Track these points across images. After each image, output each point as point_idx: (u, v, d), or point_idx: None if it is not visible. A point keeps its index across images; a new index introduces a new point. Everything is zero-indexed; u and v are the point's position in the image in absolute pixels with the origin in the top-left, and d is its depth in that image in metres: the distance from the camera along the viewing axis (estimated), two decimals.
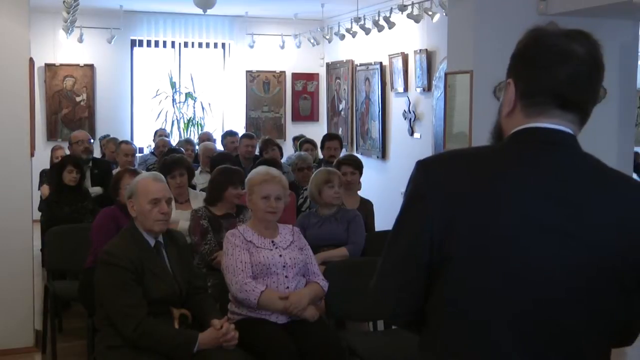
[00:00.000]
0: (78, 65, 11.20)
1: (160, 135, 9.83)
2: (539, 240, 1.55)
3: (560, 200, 1.56)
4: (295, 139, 10.04)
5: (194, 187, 6.29)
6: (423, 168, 1.70)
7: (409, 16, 8.10)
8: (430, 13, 7.86)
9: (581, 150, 1.65)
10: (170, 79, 11.66)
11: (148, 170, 7.32)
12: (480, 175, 1.63)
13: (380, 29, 8.71)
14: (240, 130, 10.54)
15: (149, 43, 11.64)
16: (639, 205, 1.60)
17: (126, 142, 8.53)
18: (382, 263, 1.73)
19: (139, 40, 11.59)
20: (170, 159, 6.07)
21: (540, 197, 1.57)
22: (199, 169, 7.70)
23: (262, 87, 12.20)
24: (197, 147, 9.04)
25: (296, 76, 12.33)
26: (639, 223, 1.57)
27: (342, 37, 10.03)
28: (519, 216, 1.56)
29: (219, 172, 5.34)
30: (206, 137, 9.82)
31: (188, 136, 11.03)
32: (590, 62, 1.63)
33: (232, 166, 5.61)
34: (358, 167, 6.20)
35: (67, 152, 8.01)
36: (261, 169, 4.48)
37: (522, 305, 1.55)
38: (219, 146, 9.70)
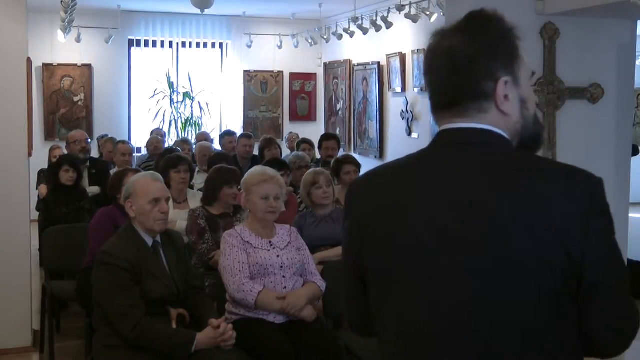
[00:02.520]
0: (76, 65, 11.20)
1: (156, 135, 9.81)
2: (442, 247, 1.51)
3: (461, 202, 1.52)
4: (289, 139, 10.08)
5: (191, 187, 6.29)
6: (349, 188, 1.76)
7: (407, 16, 8.10)
8: (427, 13, 7.87)
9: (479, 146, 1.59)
10: (168, 78, 11.66)
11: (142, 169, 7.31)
12: (389, 191, 1.63)
13: (377, 28, 8.71)
14: (238, 131, 10.53)
15: (146, 43, 11.64)
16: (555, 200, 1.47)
17: (123, 142, 8.53)
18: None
19: (137, 40, 11.58)
20: (176, 156, 6.10)
21: (443, 202, 1.53)
22: (197, 168, 7.69)
23: (259, 87, 12.20)
24: (194, 146, 9.03)
25: (294, 76, 12.34)
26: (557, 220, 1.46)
27: (340, 37, 10.03)
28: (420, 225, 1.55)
29: (214, 171, 5.35)
30: (203, 137, 9.81)
31: (186, 136, 11.02)
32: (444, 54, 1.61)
33: (227, 165, 5.60)
34: (358, 166, 6.22)
35: (65, 152, 8.00)
36: (257, 169, 4.48)
37: (430, 314, 1.53)
38: (217, 146, 9.70)
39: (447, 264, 1.50)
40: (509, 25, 1.61)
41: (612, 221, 1.50)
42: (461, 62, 1.57)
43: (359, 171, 6.19)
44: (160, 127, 11.02)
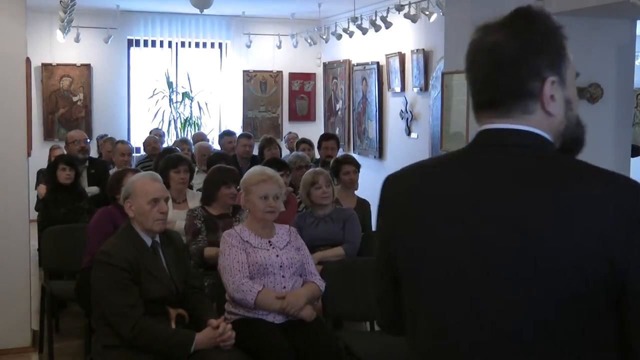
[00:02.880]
0: (75, 65, 11.20)
1: (153, 135, 9.80)
2: (475, 250, 1.48)
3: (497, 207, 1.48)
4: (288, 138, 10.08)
5: (191, 187, 6.29)
6: (383, 183, 1.72)
7: (406, 16, 8.10)
8: (427, 13, 7.86)
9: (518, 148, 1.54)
10: (167, 78, 11.66)
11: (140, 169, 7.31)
12: (424, 191, 1.60)
13: (377, 28, 8.71)
14: (238, 131, 10.53)
15: (145, 43, 11.63)
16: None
17: (123, 141, 8.53)
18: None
19: (136, 40, 11.58)
20: (176, 155, 6.10)
21: (479, 205, 1.50)
22: (196, 168, 7.69)
23: (259, 87, 12.20)
24: (193, 147, 9.03)
25: (293, 76, 12.33)
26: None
27: (339, 36, 10.02)
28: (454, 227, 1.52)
29: (212, 171, 5.35)
30: (200, 138, 9.80)
31: (185, 136, 11.01)
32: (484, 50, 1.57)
33: (225, 165, 5.60)
34: (358, 166, 6.22)
35: (64, 152, 8.00)
36: (256, 169, 4.48)
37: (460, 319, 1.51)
38: (215, 146, 9.70)
39: (479, 266, 1.47)
40: (556, 24, 1.56)
41: None
42: (506, 60, 1.53)
43: (358, 171, 6.19)
44: (160, 127, 11.01)
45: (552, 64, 1.53)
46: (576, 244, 1.39)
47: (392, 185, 1.69)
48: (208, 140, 9.94)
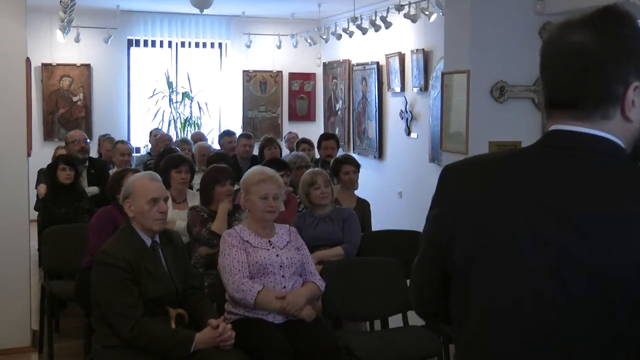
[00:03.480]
0: (75, 65, 11.20)
1: (155, 135, 9.80)
2: (536, 250, 1.48)
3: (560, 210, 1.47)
4: (288, 138, 10.07)
5: (191, 188, 6.28)
6: (443, 174, 1.69)
7: (406, 16, 8.10)
8: (427, 13, 7.86)
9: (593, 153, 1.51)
10: (167, 78, 11.66)
11: (146, 169, 7.32)
12: (490, 185, 1.58)
13: (377, 28, 8.71)
14: (238, 131, 10.53)
15: (145, 43, 11.63)
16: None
17: (122, 141, 8.53)
18: (414, 262, 1.78)
19: (136, 40, 11.58)
20: (178, 155, 6.10)
21: (542, 206, 1.49)
22: (196, 168, 7.69)
23: (259, 87, 12.20)
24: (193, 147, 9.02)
25: (293, 76, 12.33)
26: None
27: (339, 36, 10.02)
28: (518, 224, 1.51)
29: (206, 173, 5.36)
30: (199, 137, 9.80)
31: (185, 136, 11.00)
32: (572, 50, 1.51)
33: (219, 165, 5.57)
34: (357, 166, 6.22)
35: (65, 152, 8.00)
36: (256, 169, 4.48)
37: (522, 311, 1.51)
38: (215, 146, 9.69)
39: (542, 267, 1.46)
40: None
41: None
42: (594, 62, 1.47)
43: (358, 171, 6.18)
44: (159, 127, 11.00)
45: (637, 68, 1.48)
46: (634, 255, 1.39)
47: (452, 177, 1.67)
48: (207, 140, 9.93)
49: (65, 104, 11.21)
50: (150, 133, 10.09)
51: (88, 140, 8.17)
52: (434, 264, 1.68)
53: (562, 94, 1.53)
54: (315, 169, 5.83)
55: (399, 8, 8.16)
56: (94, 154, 8.90)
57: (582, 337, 1.44)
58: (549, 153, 1.54)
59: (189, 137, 10.15)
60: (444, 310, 1.69)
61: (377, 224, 6.23)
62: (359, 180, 6.21)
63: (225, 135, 9.34)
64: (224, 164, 5.81)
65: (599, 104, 1.49)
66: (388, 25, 8.42)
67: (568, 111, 1.53)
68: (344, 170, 6.08)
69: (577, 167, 1.49)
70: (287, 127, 12.00)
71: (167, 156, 6.24)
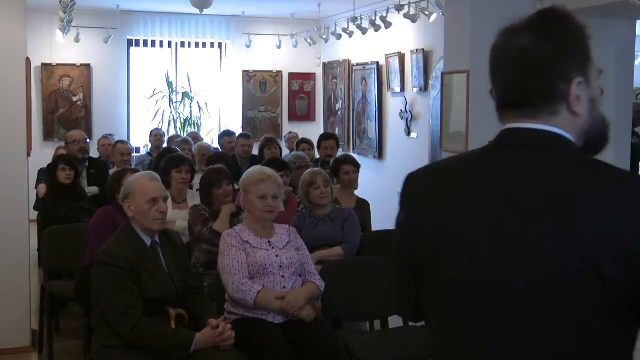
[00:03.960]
0: (75, 65, 11.19)
1: (156, 135, 9.81)
2: (495, 247, 1.52)
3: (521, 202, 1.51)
4: (288, 138, 10.07)
5: (191, 188, 6.29)
6: (405, 181, 1.75)
7: (406, 16, 8.10)
8: (427, 13, 7.86)
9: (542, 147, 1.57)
10: (167, 78, 11.65)
11: (145, 169, 7.31)
12: (453, 188, 1.63)
13: (377, 28, 8.71)
14: (237, 130, 10.52)
15: (145, 43, 11.63)
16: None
17: (122, 141, 8.54)
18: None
19: (136, 40, 11.57)
20: (178, 155, 6.09)
21: (500, 203, 1.53)
22: (196, 168, 7.68)
23: (258, 87, 12.20)
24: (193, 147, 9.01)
25: (293, 76, 12.33)
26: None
27: (339, 36, 10.02)
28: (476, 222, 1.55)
29: (204, 175, 5.36)
30: (194, 136, 9.79)
31: (185, 136, 10.99)
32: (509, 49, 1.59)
33: (214, 166, 5.56)
34: (357, 166, 6.22)
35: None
36: (255, 169, 4.49)
37: (489, 309, 1.53)
38: (216, 146, 9.69)
39: (502, 261, 1.50)
40: (581, 24, 1.58)
41: None
42: (535, 63, 1.55)
43: (358, 171, 6.19)
44: (159, 127, 10.99)
45: (579, 64, 1.56)
46: (587, 242, 1.42)
47: (414, 184, 1.73)
48: (202, 140, 9.93)
49: (65, 104, 11.20)
50: (151, 133, 10.08)
51: (88, 140, 8.17)
52: (405, 267, 1.73)
53: (512, 96, 1.60)
54: (315, 169, 5.83)
55: (399, 8, 8.16)
56: (93, 153, 8.89)
57: (553, 337, 1.46)
58: (504, 151, 1.60)
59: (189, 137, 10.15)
60: (420, 311, 1.74)
61: (377, 224, 6.23)
62: (359, 180, 6.21)
63: (225, 135, 9.34)
64: (224, 164, 5.81)
65: (545, 102, 1.56)
66: (388, 25, 8.42)
67: (519, 110, 1.59)
68: (343, 170, 6.08)
69: (531, 161, 1.55)
70: (287, 127, 12.00)
71: (167, 156, 6.24)
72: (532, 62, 1.55)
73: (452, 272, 1.58)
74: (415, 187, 1.71)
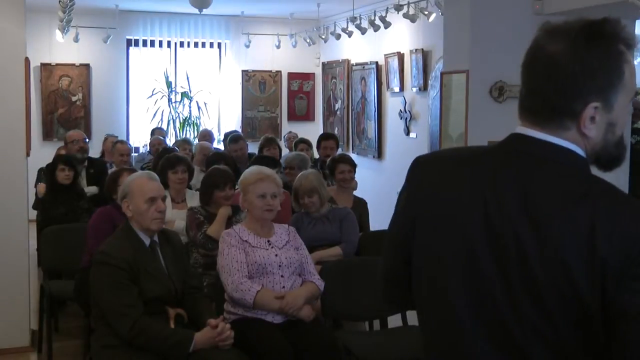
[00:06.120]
0: (74, 64, 11.19)
1: (157, 135, 9.79)
2: (492, 249, 1.53)
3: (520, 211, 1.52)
4: (288, 138, 10.03)
5: (190, 187, 6.28)
6: (412, 165, 1.76)
7: (405, 16, 8.10)
8: (426, 13, 7.87)
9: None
10: (166, 78, 11.65)
11: (142, 169, 7.31)
12: (453, 179, 1.64)
13: (376, 28, 8.71)
14: (238, 131, 10.49)
15: (144, 43, 11.63)
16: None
17: (122, 141, 8.53)
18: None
19: (135, 40, 11.57)
20: (174, 156, 6.09)
21: (499, 206, 1.53)
22: (197, 168, 7.65)
23: (258, 87, 12.20)
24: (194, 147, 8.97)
25: (292, 76, 12.33)
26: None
27: (338, 36, 10.02)
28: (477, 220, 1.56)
29: (207, 175, 5.35)
30: (205, 134, 9.73)
31: (184, 136, 10.99)
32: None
33: (220, 167, 5.56)
34: (353, 165, 6.21)
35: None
36: (253, 168, 4.49)
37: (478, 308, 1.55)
38: (218, 146, 9.64)
39: (492, 265, 1.52)
40: (621, 48, 1.53)
41: None
42: (558, 75, 1.52)
43: (354, 171, 6.17)
44: (160, 127, 10.96)
45: (601, 89, 1.51)
46: (562, 254, 1.43)
47: (420, 170, 1.73)
48: (213, 138, 9.85)
49: (65, 103, 11.20)
50: (153, 132, 10.05)
51: (87, 140, 8.17)
52: (399, 253, 1.74)
53: (528, 100, 1.59)
54: (306, 171, 5.75)
55: (398, 8, 8.16)
56: (93, 153, 8.89)
57: (539, 341, 1.48)
58: (507, 157, 1.59)
59: (189, 137, 10.13)
60: (408, 299, 1.75)
61: (376, 224, 6.23)
62: (358, 180, 6.21)
63: (231, 143, 8.92)
64: (224, 165, 5.81)
65: (557, 115, 1.54)
66: (387, 25, 8.42)
67: (530, 115, 1.58)
68: (339, 170, 6.07)
69: (527, 172, 1.54)
70: (286, 127, 12.00)
71: (164, 157, 6.23)
72: (556, 74, 1.52)
73: (430, 271, 1.62)
74: (419, 177, 1.72)
